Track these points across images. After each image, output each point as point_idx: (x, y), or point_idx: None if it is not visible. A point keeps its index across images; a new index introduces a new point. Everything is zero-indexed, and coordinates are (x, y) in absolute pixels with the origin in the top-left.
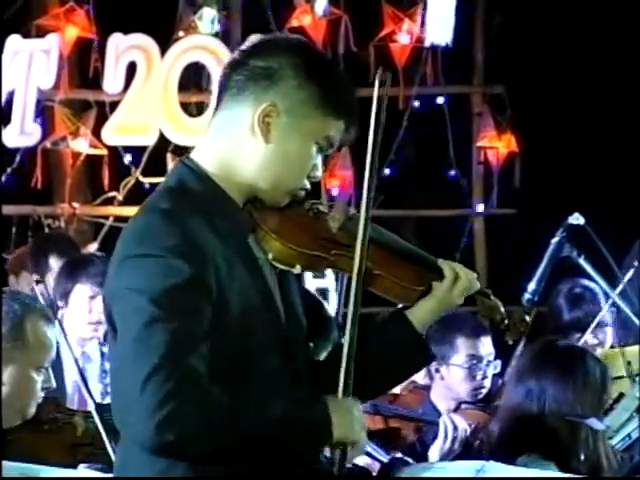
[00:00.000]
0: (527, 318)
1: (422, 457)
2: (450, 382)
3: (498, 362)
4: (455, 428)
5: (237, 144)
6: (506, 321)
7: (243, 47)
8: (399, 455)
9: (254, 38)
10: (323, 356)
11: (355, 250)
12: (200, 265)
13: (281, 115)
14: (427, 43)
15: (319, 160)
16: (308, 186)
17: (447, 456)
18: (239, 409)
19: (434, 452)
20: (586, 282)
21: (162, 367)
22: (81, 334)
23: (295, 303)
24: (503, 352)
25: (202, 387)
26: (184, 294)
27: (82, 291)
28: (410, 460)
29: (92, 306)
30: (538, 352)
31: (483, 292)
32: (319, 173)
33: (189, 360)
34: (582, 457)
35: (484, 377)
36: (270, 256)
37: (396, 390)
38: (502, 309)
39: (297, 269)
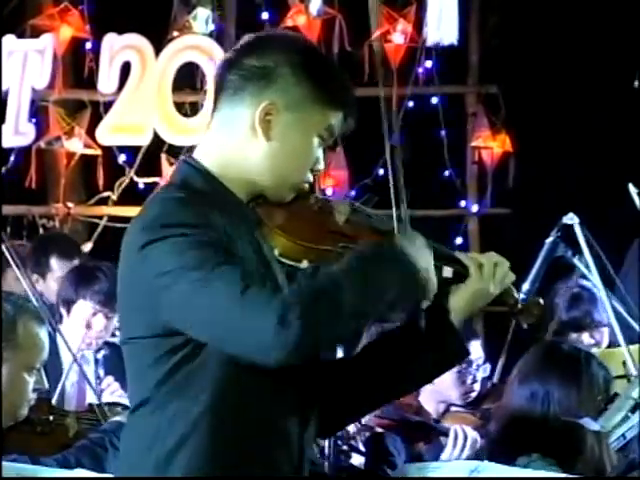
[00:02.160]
0: (541, 301)
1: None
2: (439, 386)
3: (487, 366)
4: (465, 438)
5: (239, 143)
6: (519, 305)
7: (237, 46)
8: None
9: (247, 37)
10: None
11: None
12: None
13: (281, 112)
14: (429, 43)
15: (321, 153)
16: (311, 179)
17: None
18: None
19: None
20: (584, 282)
21: (245, 281)
22: (78, 346)
23: None
24: (492, 356)
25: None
26: (217, 252)
27: (84, 307)
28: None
29: (92, 323)
30: (542, 354)
31: None
32: (321, 166)
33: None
34: (587, 462)
35: (474, 381)
36: (277, 252)
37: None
38: (515, 293)
39: (304, 264)
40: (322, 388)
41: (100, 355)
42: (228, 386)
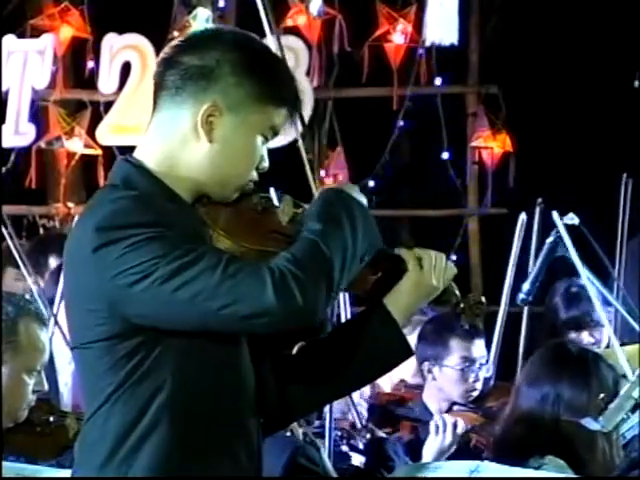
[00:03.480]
0: (483, 300)
1: (417, 456)
2: (442, 383)
3: (491, 365)
4: (445, 425)
5: (180, 144)
6: (462, 304)
7: (175, 42)
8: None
9: (187, 34)
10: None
11: None
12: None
13: (224, 113)
14: (429, 43)
15: (265, 150)
16: (256, 178)
17: (441, 455)
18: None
19: (427, 451)
20: (582, 281)
21: (224, 257)
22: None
23: None
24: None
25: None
26: (184, 241)
27: None
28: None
29: None
30: (551, 356)
31: None
32: (266, 164)
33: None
34: (599, 464)
35: (476, 379)
36: None
37: (387, 389)
38: (457, 292)
39: None
40: (275, 378)
41: None
42: (185, 382)
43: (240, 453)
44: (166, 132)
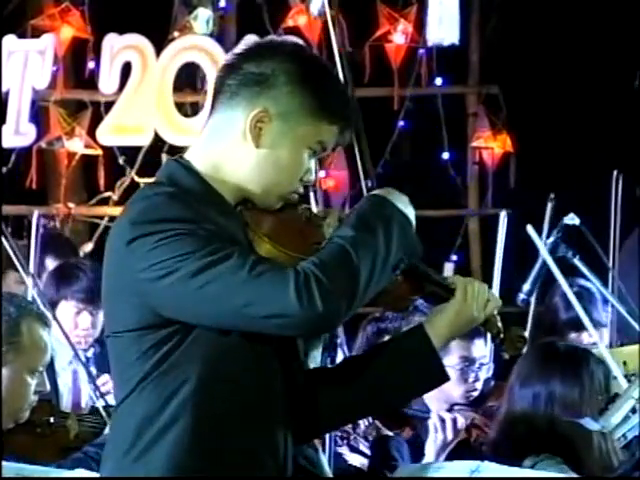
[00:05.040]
0: (525, 334)
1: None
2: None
3: (491, 365)
4: (444, 422)
5: (229, 147)
6: (502, 335)
7: (237, 50)
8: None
9: (249, 40)
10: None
11: None
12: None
13: (273, 121)
14: (430, 43)
15: (312, 164)
16: (301, 190)
17: (443, 451)
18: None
19: (429, 449)
20: (583, 281)
21: (251, 259)
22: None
23: None
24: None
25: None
26: (212, 240)
27: (67, 308)
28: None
29: (78, 321)
30: (541, 355)
31: None
32: (312, 177)
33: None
34: (595, 461)
35: (476, 379)
36: None
37: None
38: (499, 324)
39: None
40: (309, 389)
41: (90, 353)
42: (211, 377)
43: (264, 455)
44: (217, 135)
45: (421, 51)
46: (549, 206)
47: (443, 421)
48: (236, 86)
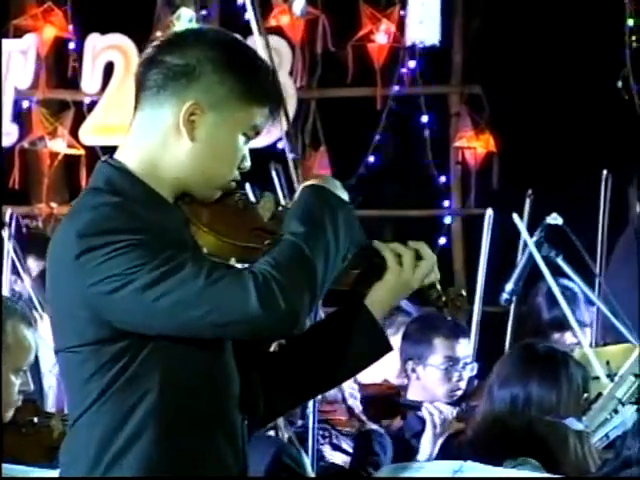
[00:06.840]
0: (463, 292)
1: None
2: (426, 382)
3: (475, 364)
4: (440, 412)
5: (162, 144)
6: (443, 297)
7: (156, 42)
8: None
9: (168, 33)
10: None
11: None
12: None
13: (205, 112)
14: (409, 42)
15: (247, 150)
16: (238, 177)
17: (436, 441)
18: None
19: (425, 442)
20: (566, 281)
21: (207, 265)
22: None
23: None
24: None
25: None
26: (166, 248)
27: None
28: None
29: None
30: (520, 357)
31: None
32: (248, 163)
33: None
34: (571, 462)
35: (460, 379)
36: (205, 251)
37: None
38: (438, 286)
39: (232, 262)
40: (259, 377)
41: None
42: (171, 386)
43: (227, 454)
44: (148, 132)
45: (403, 51)
46: (527, 202)
47: (440, 412)
48: (162, 80)
